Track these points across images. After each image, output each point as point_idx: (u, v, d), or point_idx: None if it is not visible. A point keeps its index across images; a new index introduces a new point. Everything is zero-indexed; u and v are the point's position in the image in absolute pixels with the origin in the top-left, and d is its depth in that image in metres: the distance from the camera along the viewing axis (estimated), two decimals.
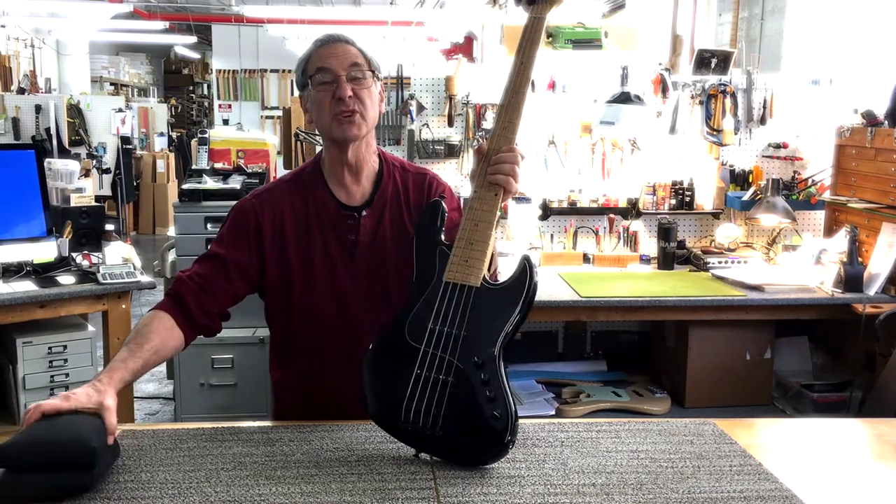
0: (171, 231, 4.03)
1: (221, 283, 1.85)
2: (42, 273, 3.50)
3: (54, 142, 9.02)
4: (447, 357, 1.54)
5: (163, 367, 5.17)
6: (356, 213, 1.87)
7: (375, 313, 1.85)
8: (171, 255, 4.01)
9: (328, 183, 1.90)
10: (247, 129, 11.37)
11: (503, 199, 1.64)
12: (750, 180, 4.11)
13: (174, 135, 12.41)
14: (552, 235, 4.09)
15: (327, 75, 1.80)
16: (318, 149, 4.01)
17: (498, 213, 1.64)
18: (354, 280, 1.86)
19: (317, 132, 4.06)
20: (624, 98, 3.82)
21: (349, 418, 1.72)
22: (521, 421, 1.79)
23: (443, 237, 1.63)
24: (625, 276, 3.82)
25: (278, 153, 4.55)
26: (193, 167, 4.10)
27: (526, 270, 1.59)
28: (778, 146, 4.17)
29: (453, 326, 1.55)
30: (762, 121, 4.18)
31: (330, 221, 1.88)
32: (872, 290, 3.40)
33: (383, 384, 1.58)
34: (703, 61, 4.09)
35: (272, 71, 13.91)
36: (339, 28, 10.70)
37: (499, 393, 1.51)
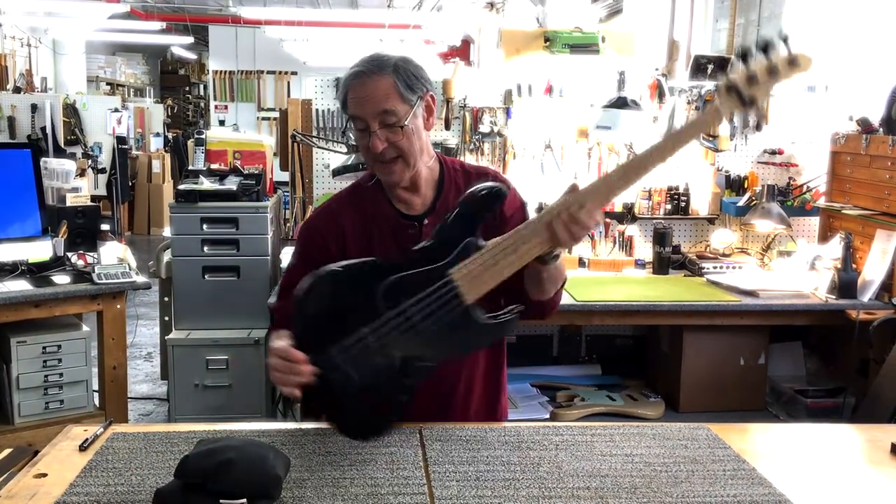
0: (167, 231, 4.02)
1: None
2: (37, 272, 3.49)
3: (50, 141, 9.00)
4: (394, 335, 1.55)
5: (157, 368, 5.17)
6: (417, 223, 1.84)
7: None
8: (167, 256, 4.00)
9: (389, 195, 1.86)
10: (243, 131, 11.37)
11: (547, 249, 1.59)
12: (745, 186, 4.12)
13: (170, 135, 12.39)
14: None
15: (360, 123, 1.74)
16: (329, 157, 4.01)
17: (535, 256, 1.58)
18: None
19: (314, 135, 4.07)
20: (621, 103, 3.82)
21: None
22: (515, 424, 1.79)
23: (479, 231, 1.59)
24: (620, 280, 3.82)
25: (275, 154, 4.54)
26: (190, 168, 4.10)
27: (507, 331, 1.53)
28: (773, 152, 4.18)
29: (421, 317, 1.55)
30: (758, 127, 4.18)
31: (391, 232, 1.84)
32: (866, 297, 3.41)
33: (330, 310, 1.58)
34: (700, 67, 4.10)
35: (269, 72, 13.90)
36: (335, 31, 10.69)
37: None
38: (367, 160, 1.81)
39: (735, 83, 1.49)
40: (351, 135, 3.24)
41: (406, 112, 1.73)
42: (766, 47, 1.48)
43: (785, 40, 1.46)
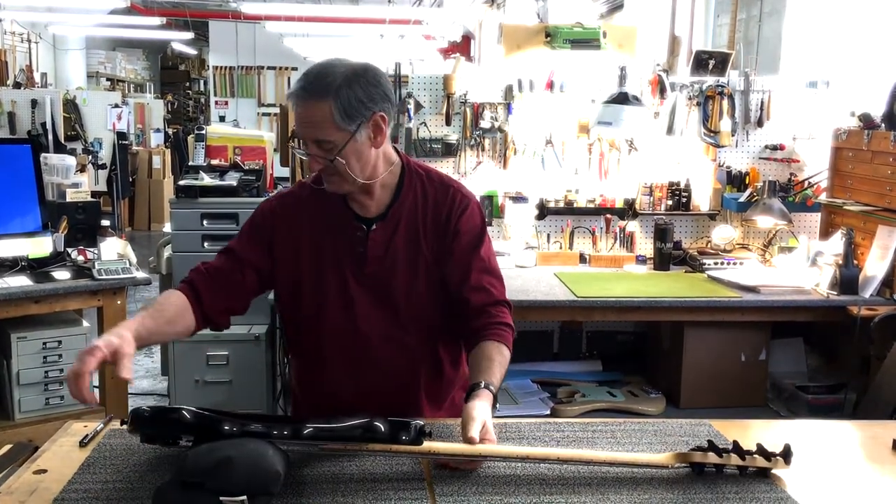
0: (167, 227, 4.01)
1: (233, 278, 1.86)
2: (37, 268, 3.49)
3: (50, 137, 9.00)
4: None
5: (158, 364, 5.17)
6: (365, 226, 1.84)
7: (383, 326, 1.84)
8: (167, 252, 4.00)
9: (347, 195, 1.86)
10: (243, 126, 11.38)
11: None
12: (746, 182, 4.11)
13: (170, 131, 12.38)
14: (549, 235, 4.08)
15: (301, 141, 1.76)
16: None
17: None
18: (363, 291, 1.84)
19: None
20: (622, 98, 3.82)
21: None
22: (516, 420, 1.79)
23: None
24: (621, 276, 3.82)
25: (275, 150, 4.54)
26: (190, 163, 4.09)
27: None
28: (775, 148, 4.18)
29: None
30: (759, 123, 4.18)
31: (342, 232, 1.85)
32: (867, 293, 3.40)
33: None
34: (701, 62, 4.09)
35: (269, 68, 13.90)
36: (336, 26, 10.67)
37: None
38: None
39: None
40: None
41: (343, 139, 1.70)
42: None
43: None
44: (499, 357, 1.75)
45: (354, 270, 1.84)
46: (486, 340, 1.78)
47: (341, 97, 1.68)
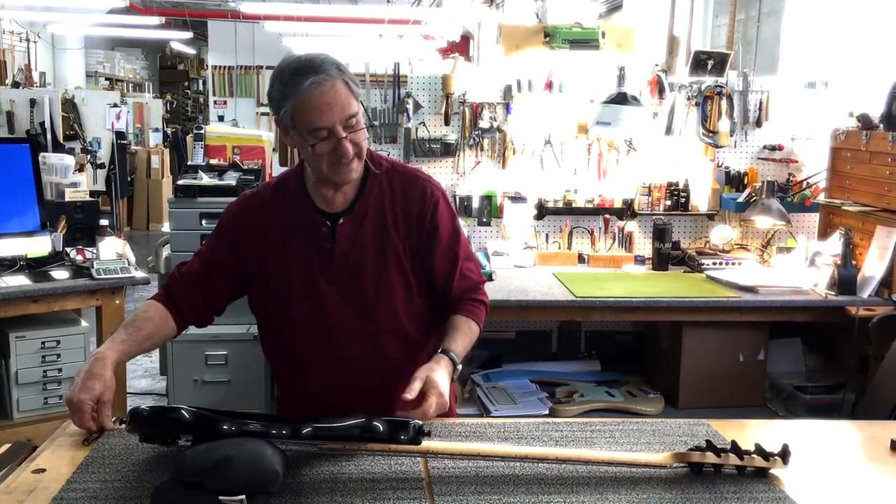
0: (166, 227, 4.01)
1: (208, 281, 1.91)
2: (36, 268, 3.48)
3: (49, 136, 8.99)
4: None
5: (156, 363, 5.17)
6: (330, 221, 1.84)
7: (352, 321, 1.84)
8: (166, 251, 3.99)
9: (308, 190, 1.87)
10: (242, 126, 11.37)
11: None
12: (745, 182, 4.11)
13: (169, 130, 12.37)
14: (547, 235, 4.09)
15: (323, 132, 1.72)
16: None
17: None
18: (332, 287, 1.84)
19: None
20: (620, 99, 3.82)
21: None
22: (515, 420, 1.79)
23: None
24: (619, 276, 3.82)
25: (273, 150, 4.54)
26: (189, 163, 4.09)
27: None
28: (773, 148, 4.18)
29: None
30: (758, 123, 4.18)
31: (307, 228, 1.85)
32: (866, 293, 3.40)
33: None
34: (700, 63, 4.09)
35: (268, 67, 13.86)
36: (334, 26, 10.67)
37: None
38: (319, 164, 1.76)
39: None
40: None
41: (360, 110, 1.77)
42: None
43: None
44: (465, 328, 1.85)
45: (322, 266, 1.84)
46: (455, 314, 1.89)
47: (344, 71, 1.74)
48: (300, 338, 1.87)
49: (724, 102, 4.04)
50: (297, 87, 1.71)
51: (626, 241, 4.07)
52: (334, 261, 1.84)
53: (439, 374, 1.70)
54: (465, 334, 1.85)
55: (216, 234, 1.94)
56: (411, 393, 1.64)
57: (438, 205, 1.89)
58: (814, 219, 4.08)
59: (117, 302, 3.59)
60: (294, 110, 1.72)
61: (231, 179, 3.84)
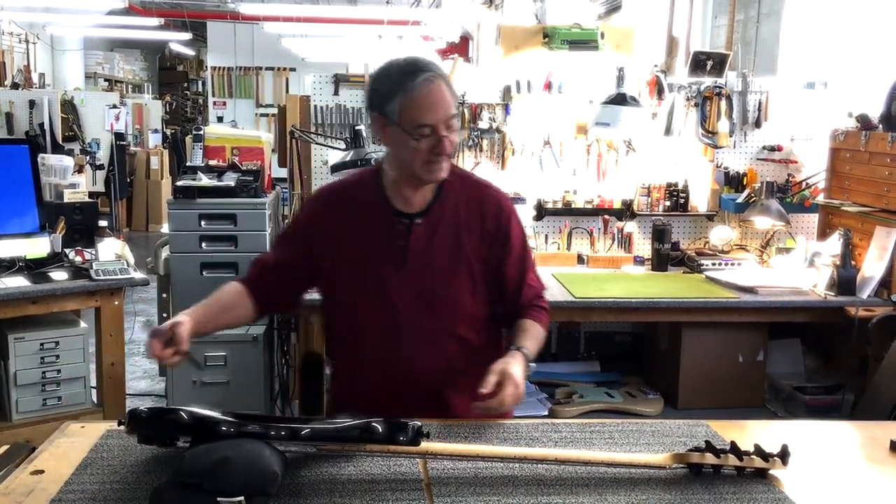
0: (165, 228, 4.01)
1: (281, 273, 1.97)
2: (35, 269, 3.48)
3: (48, 137, 8.98)
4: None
5: (155, 364, 5.16)
6: (408, 220, 1.90)
7: (421, 319, 1.89)
8: (165, 252, 3.99)
9: (386, 189, 1.92)
10: (241, 127, 11.36)
11: None
12: (744, 183, 4.11)
13: (168, 132, 12.37)
14: (547, 236, 4.08)
15: (426, 129, 1.79)
16: (329, 154, 4.00)
17: None
18: (403, 285, 1.89)
19: (313, 131, 4.06)
20: (620, 99, 3.81)
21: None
22: (514, 421, 1.79)
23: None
24: (619, 277, 3.82)
25: (273, 151, 4.53)
26: (188, 164, 4.08)
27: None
28: (772, 149, 4.18)
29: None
30: (757, 123, 4.18)
31: (381, 227, 1.91)
32: (865, 294, 3.40)
33: None
34: (699, 63, 4.09)
35: (267, 68, 13.88)
36: (334, 27, 10.67)
37: None
38: (415, 162, 1.82)
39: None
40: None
41: (458, 113, 1.85)
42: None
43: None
44: (532, 330, 1.93)
45: (395, 264, 1.89)
46: (522, 318, 1.97)
47: (447, 76, 1.84)
48: (367, 331, 1.92)
49: (723, 103, 4.04)
50: (408, 83, 1.78)
51: (626, 241, 4.07)
52: (407, 259, 1.89)
53: (514, 367, 1.75)
54: (533, 335, 1.92)
55: (291, 227, 2.04)
56: (487, 386, 1.69)
57: (512, 216, 1.98)
58: (813, 219, 4.08)
59: (116, 303, 3.59)
60: (402, 105, 1.79)
61: (230, 180, 3.84)
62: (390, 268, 1.88)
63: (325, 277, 1.96)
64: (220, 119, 13.58)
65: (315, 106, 4.16)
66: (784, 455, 1.54)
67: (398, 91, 1.78)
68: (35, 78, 11.28)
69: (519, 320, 1.97)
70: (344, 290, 1.93)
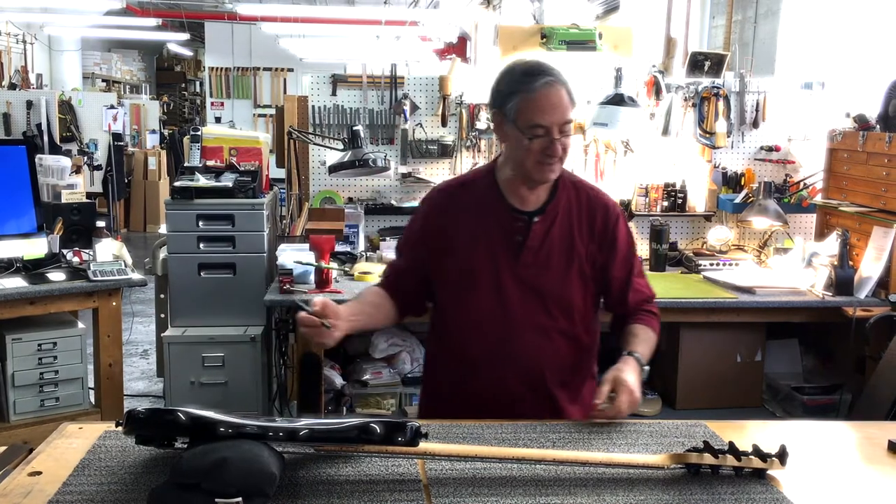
0: (163, 228, 4.00)
1: (411, 276, 2.04)
2: (32, 269, 3.48)
3: (45, 138, 8.97)
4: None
5: (153, 365, 5.16)
6: (527, 218, 1.96)
7: (532, 314, 1.94)
8: (163, 253, 3.99)
9: (502, 188, 1.98)
10: (239, 128, 11.36)
11: None
12: (742, 183, 4.11)
13: (166, 132, 12.35)
14: None
15: (540, 130, 1.85)
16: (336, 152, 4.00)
17: None
18: (516, 281, 1.94)
19: (310, 131, 4.06)
20: (618, 100, 3.82)
21: (492, 416, 1.80)
22: (512, 421, 1.79)
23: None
24: None
25: (271, 151, 4.52)
26: (185, 164, 4.08)
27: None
28: (770, 149, 4.18)
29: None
30: (755, 124, 4.19)
31: (499, 224, 1.96)
32: (863, 294, 3.41)
33: None
34: (697, 64, 4.10)
35: (265, 69, 13.88)
36: (331, 27, 10.67)
37: None
38: (527, 161, 1.88)
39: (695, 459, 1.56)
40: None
41: (573, 121, 1.92)
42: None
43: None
44: (643, 335, 2.00)
45: (509, 260, 1.95)
46: (632, 323, 2.04)
47: (567, 83, 1.88)
48: (478, 325, 1.96)
49: (720, 103, 4.04)
50: (528, 84, 1.84)
51: None
52: (523, 256, 1.94)
53: (628, 374, 1.82)
54: (644, 340, 1.99)
55: (411, 231, 2.07)
56: (601, 397, 1.77)
57: (620, 219, 2.05)
58: (811, 219, 4.09)
59: (114, 304, 3.59)
60: (520, 105, 1.85)
61: (228, 181, 3.83)
62: (505, 263, 1.94)
63: (440, 271, 2.01)
64: (217, 119, 13.59)
65: (313, 106, 4.16)
66: (782, 455, 1.54)
67: (518, 91, 1.86)
68: (32, 78, 11.26)
69: (629, 325, 2.03)
70: (457, 284, 1.97)
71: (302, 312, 1.76)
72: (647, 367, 1.92)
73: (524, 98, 1.84)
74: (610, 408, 1.76)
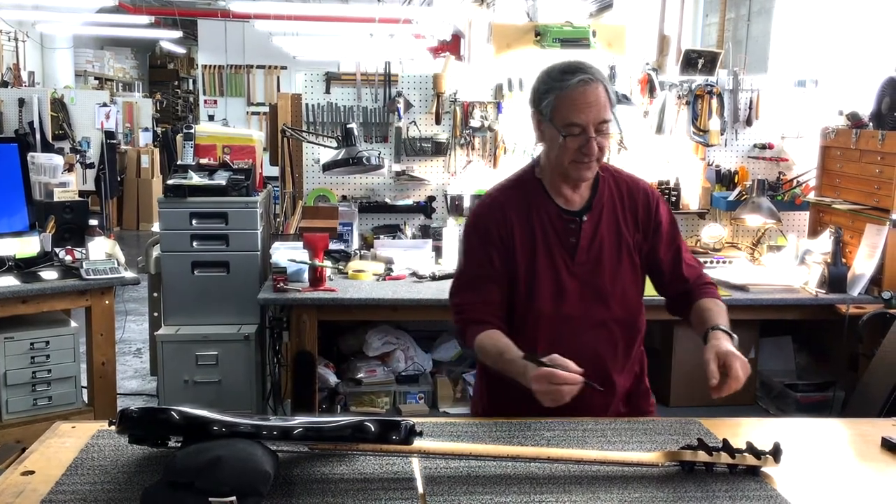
0: (156, 227, 3.99)
1: (495, 296, 1.99)
2: (24, 268, 3.46)
3: (37, 136, 8.94)
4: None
5: (146, 364, 5.15)
6: (577, 218, 1.98)
7: (589, 309, 1.99)
8: (156, 251, 3.98)
9: (548, 189, 2.00)
10: (232, 125, 11.33)
11: None
12: (735, 181, 4.12)
13: (159, 130, 12.32)
14: None
15: (576, 129, 1.85)
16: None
17: None
18: (574, 280, 1.98)
19: (304, 129, 4.05)
20: None
21: (560, 411, 1.76)
22: (506, 419, 1.79)
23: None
24: None
25: (264, 149, 4.51)
26: (178, 163, 4.07)
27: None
28: (763, 147, 4.19)
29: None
30: (748, 122, 4.20)
31: (552, 226, 1.98)
32: (856, 291, 3.42)
33: None
34: (690, 62, 4.10)
35: (258, 67, 13.84)
36: (325, 25, 10.66)
37: None
38: (563, 159, 1.88)
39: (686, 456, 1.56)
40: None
41: (612, 119, 1.91)
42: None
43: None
44: (716, 307, 2.03)
45: (566, 260, 1.97)
46: (700, 298, 2.06)
47: (606, 82, 1.88)
48: (541, 328, 1.98)
49: (714, 101, 4.05)
50: (564, 82, 1.85)
51: None
52: (577, 256, 1.98)
53: (725, 344, 1.85)
54: (719, 313, 2.01)
55: (477, 248, 2.01)
56: (714, 376, 1.80)
57: (660, 203, 2.08)
58: (804, 217, 4.10)
59: (107, 302, 3.57)
60: (556, 103, 1.86)
61: (221, 179, 3.82)
62: (562, 264, 1.97)
63: (510, 274, 2.01)
64: (211, 117, 13.55)
65: (306, 104, 4.15)
66: (776, 452, 1.54)
67: (554, 89, 1.86)
68: (24, 76, 11.22)
69: (697, 302, 2.06)
70: (523, 285, 1.98)
71: (559, 371, 1.67)
72: (735, 336, 1.93)
73: (559, 96, 1.85)
74: (727, 382, 1.79)
